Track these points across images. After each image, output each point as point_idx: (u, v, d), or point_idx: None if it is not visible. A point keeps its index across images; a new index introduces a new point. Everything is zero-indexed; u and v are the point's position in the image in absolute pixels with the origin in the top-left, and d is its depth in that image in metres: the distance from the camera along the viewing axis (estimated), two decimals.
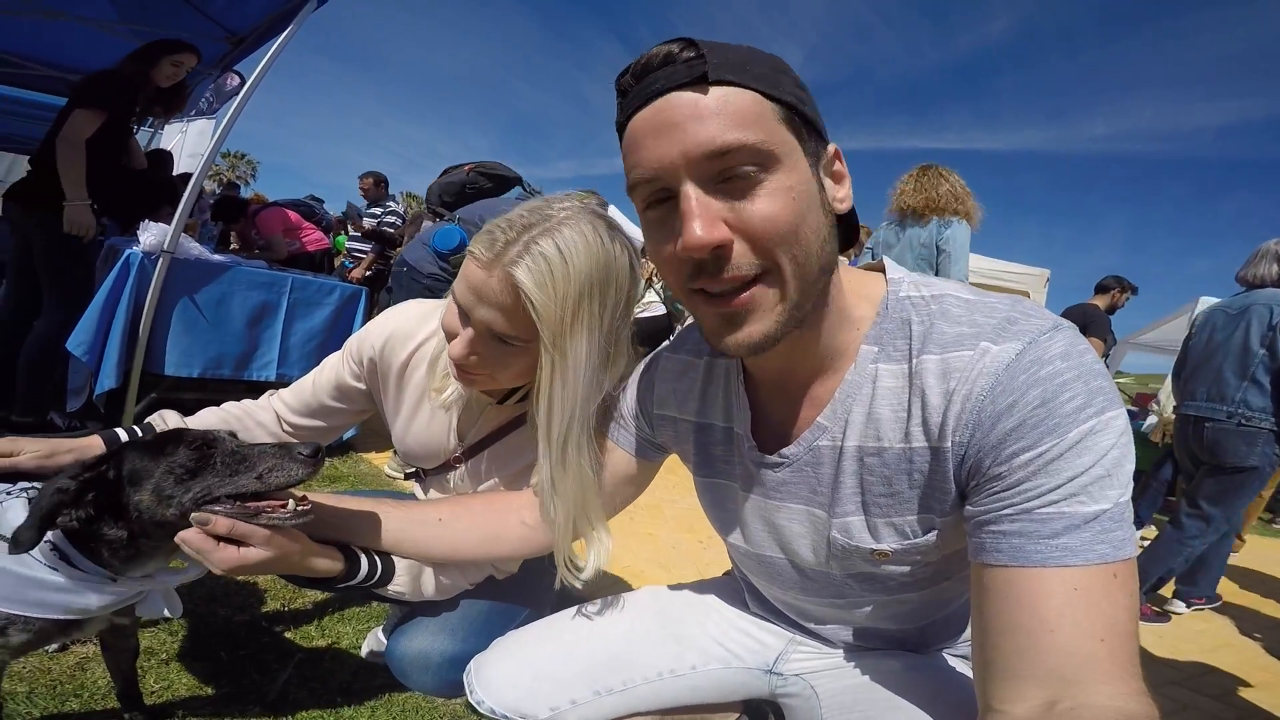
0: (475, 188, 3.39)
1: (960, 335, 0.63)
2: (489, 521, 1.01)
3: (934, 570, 0.75)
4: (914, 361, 0.65)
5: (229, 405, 1.21)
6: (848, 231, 0.72)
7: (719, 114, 0.59)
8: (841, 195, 0.68)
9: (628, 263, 0.94)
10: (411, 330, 1.16)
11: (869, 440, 0.69)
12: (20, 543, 0.78)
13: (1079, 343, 0.60)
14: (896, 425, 0.67)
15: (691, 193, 0.61)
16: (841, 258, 0.72)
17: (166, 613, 0.97)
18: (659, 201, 0.64)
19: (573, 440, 0.92)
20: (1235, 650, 2.66)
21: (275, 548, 0.84)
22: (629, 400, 0.97)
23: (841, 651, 0.92)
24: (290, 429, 1.23)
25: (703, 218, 0.60)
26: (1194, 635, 2.77)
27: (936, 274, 3.09)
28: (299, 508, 0.84)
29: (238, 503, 0.82)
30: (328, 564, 0.92)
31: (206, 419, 1.14)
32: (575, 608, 1.06)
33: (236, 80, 3.78)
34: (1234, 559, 4.15)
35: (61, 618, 0.88)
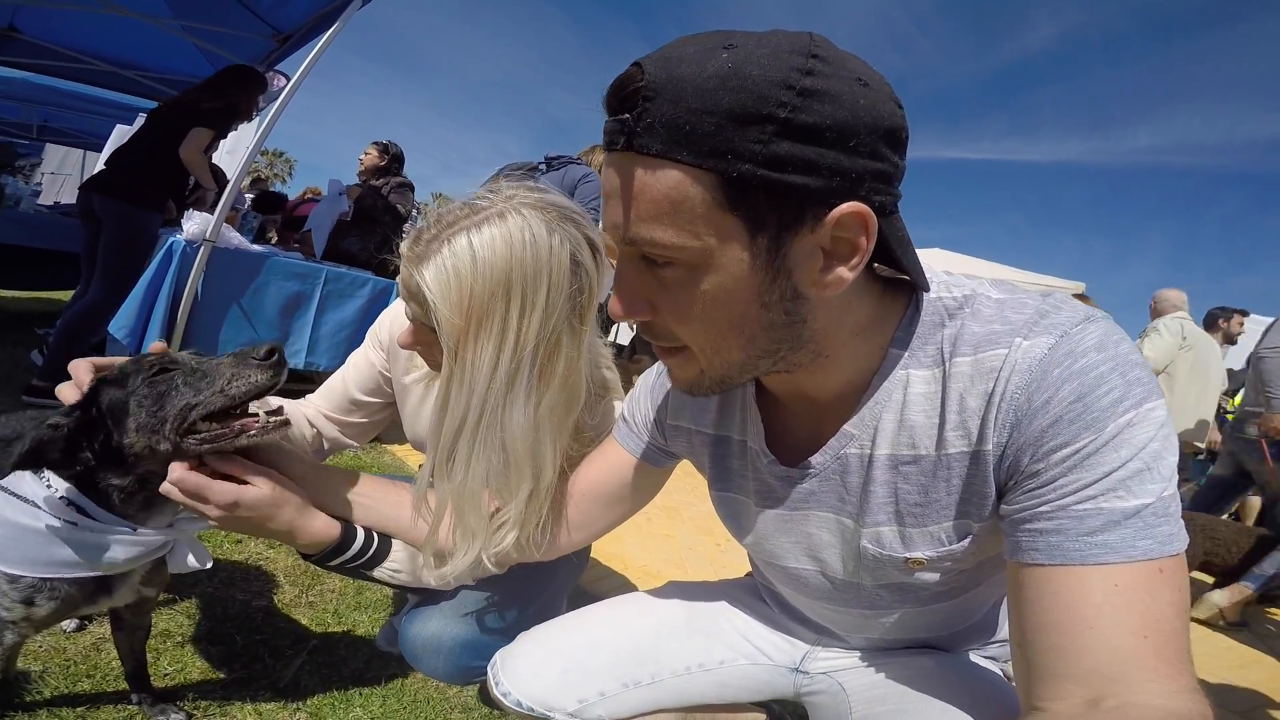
0: None
1: (992, 334, 0.60)
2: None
3: (967, 578, 0.72)
4: (947, 365, 0.62)
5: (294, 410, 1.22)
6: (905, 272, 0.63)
7: (633, 198, 0.54)
8: (831, 278, 0.56)
9: (569, 258, 0.85)
10: None
11: (902, 448, 0.66)
12: None
13: (1114, 333, 0.57)
14: (931, 431, 0.64)
15: (621, 265, 0.61)
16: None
17: (193, 562, 0.93)
18: None
19: (461, 451, 0.86)
20: (1264, 667, 2.65)
21: (269, 487, 0.85)
22: (642, 406, 0.94)
23: (869, 651, 0.90)
24: (338, 426, 1.25)
25: (621, 294, 0.61)
26: (1221, 652, 2.75)
27: None
28: (271, 419, 0.82)
29: (216, 425, 0.81)
30: (322, 527, 0.90)
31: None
32: (602, 602, 1.04)
33: (282, 80, 3.87)
34: None
35: (90, 574, 0.86)
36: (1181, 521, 0.54)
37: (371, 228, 4.38)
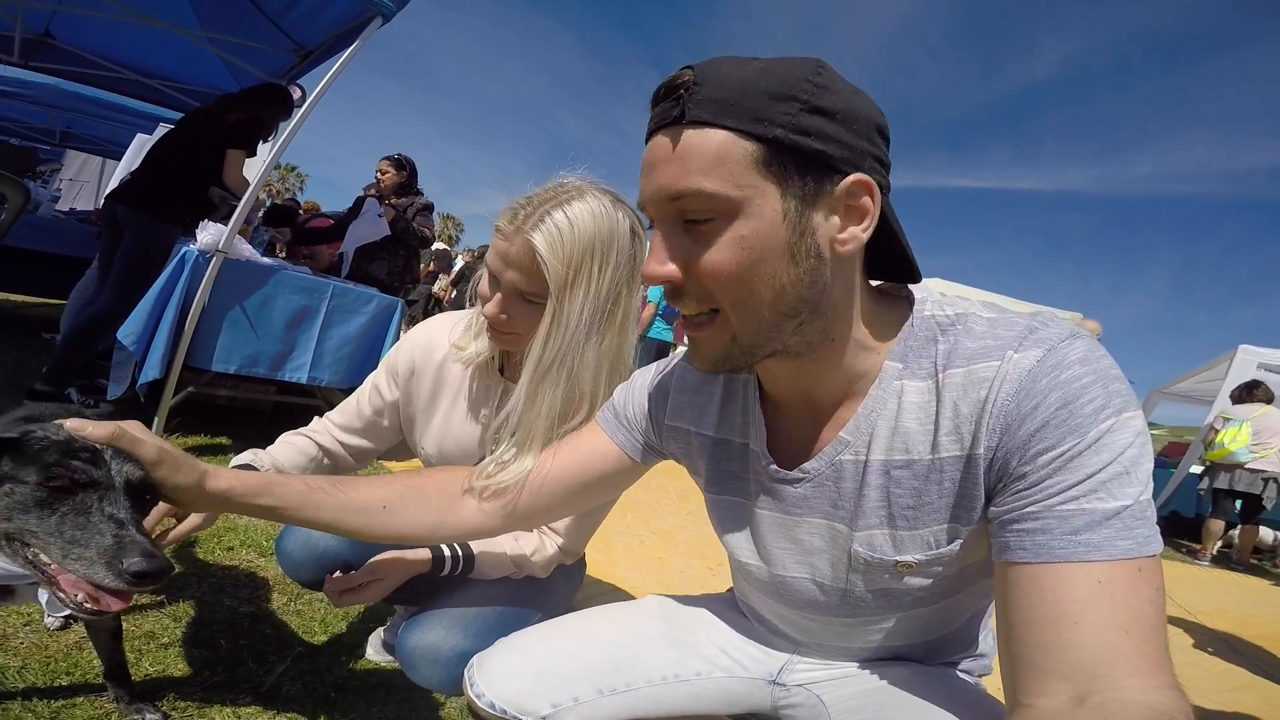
0: None
1: (985, 348, 0.65)
2: (442, 506, 0.97)
3: (950, 584, 0.74)
4: (940, 377, 0.66)
5: (290, 437, 1.26)
6: (900, 263, 0.72)
7: (682, 158, 0.62)
8: (847, 235, 0.64)
9: (629, 229, 1.05)
10: (446, 334, 1.27)
11: (896, 454, 0.69)
12: None
13: (1096, 349, 0.62)
14: (924, 437, 0.67)
15: (657, 230, 0.67)
16: (875, 282, 0.74)
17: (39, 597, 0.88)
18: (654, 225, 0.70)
19: (549, 381, 1.04)
20: (1259, 691, 2.69)
21: (380, 573, 1.12)
22: (637, 403, 0.95)
23: (847, 663, 0.91)
24: (343, 447, 1.29)
25: (656, 255, 0.67)
26: (1215, 676, 2.79)
27: None
28: (85, 604, 0.69)
29: (30, 555, 0.70)
30: (417, 559, 1.16)
31: (278, 453, 1.22)
32: (580, 611, 1.05)
33: (299, 93, 3.92)
34: (1246, 606, 4.22)
35: None
36: (1157, 526, 0.57)
37: (397, 251, 4.43)
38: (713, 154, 0.61)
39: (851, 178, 0.62)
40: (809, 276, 0.64)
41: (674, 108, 0.62)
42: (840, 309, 0.69)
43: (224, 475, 0.84)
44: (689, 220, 0.64)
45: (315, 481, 0.92)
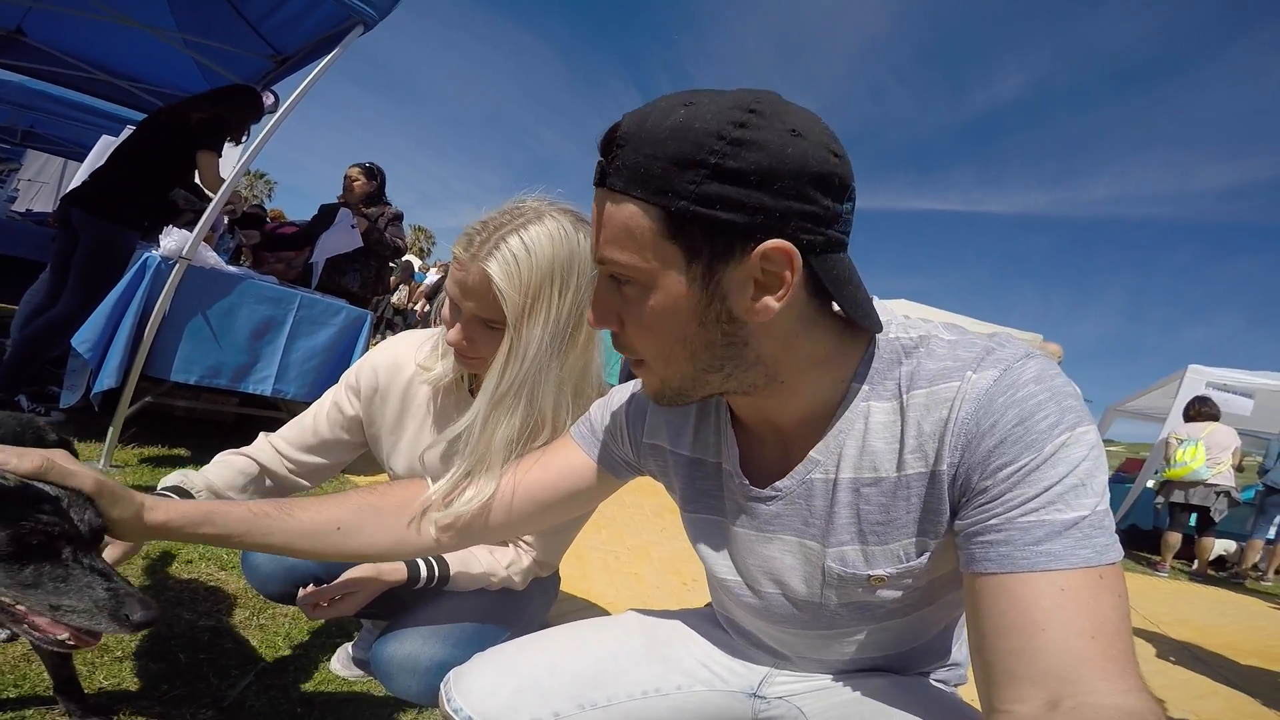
0: None
1: (945, 369, 0.66)
2: (400, 525, 0.95)
3: (921, 595, 0.75)
4: (904, 397, 0.68)
5: (228, 456, 1.18)
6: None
7: (602, 225, 0.64)
8: (760, 306, 0.62)
9: (589, 250, 1.00)
10: (413, 353, 1.24)
11: (865, 472, 0.70)
12: None
13: (1050, 367, 0.64)
14: (891, 455, 0.69)
15: (597, 282, 0.70)
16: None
17: None
18: None
19: (505, 406, 1.02)
20: (1222, 698, 2.77)
21: (356, 587, 1.08)
22: (615, 419, 0.95)
23: (825, 675, 0.91)
24: (292, 465, 1.23)
25: (596, 307, 0.70)
26: (1180, 684, 2.86)
27: None
28: (67, 640, 0.70)
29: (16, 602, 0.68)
30: (393, 571, 1.14)
31: (213, 474, 1.13)
32: (560, 626, 1.03)
33: (272, 99, 3.84)
34: (1206, 615, 4.36)
35: None
36: (1115, 535, 0.59)
37: (369, 262, 4.34)
38: (622, 226, 0.62)
39: (766, 245, 0.59)
40: (724, 339, 0.66)
41: (599, 171, 0.64)
42: (779, 357, 0.68)
43: (161, 507, 0.79)
44: (614, 277, 0.66)
45: (259, 506, 0.87)
